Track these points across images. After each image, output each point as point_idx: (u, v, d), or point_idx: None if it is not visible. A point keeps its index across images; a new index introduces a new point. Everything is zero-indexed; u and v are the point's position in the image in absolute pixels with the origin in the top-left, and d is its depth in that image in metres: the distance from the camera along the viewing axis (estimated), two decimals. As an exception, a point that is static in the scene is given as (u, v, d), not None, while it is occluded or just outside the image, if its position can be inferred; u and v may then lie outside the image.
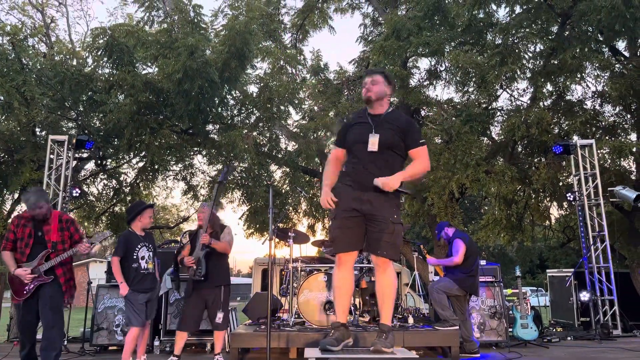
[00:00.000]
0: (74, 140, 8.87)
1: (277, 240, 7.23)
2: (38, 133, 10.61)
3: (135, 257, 5.03)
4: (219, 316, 5.25)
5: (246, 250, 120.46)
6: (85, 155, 11.49)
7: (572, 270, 9.19)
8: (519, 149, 11.52)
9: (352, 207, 3.54)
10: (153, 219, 5.36)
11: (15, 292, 4.62)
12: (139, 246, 5.08)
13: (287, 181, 12.62)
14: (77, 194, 9.00)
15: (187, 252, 5.33)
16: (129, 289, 4.94)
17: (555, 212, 13.21)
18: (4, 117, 9.82)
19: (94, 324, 6.81)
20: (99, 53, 9.67)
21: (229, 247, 5.41)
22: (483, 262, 7.17)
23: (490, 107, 11.12)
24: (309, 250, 16.63)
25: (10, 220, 4.57)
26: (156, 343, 6.55)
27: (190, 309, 5.33)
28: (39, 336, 4.62)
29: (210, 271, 5.28)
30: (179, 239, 6.03)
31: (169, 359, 5.29)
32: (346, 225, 3.56)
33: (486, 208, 14.82)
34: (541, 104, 10.15)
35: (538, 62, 10.22)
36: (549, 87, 10.41)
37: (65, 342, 7.02)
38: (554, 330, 8.71)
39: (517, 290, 7.35)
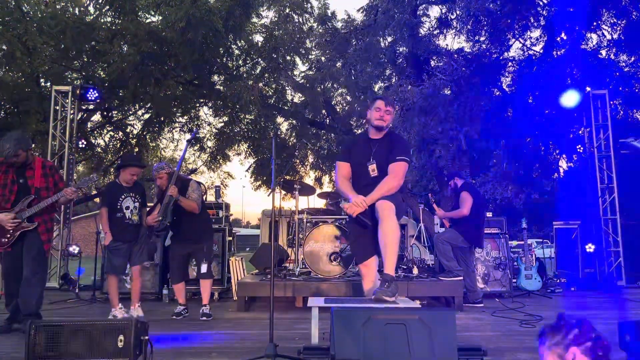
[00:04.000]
0: (78, 91, 8.77)
1: (283, 192, 7.24)
2: (42, 84, 10.53)
3: (119, 207, 5.06)
4: (203, 267, 5.29)
5: (255, 202, 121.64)
6: (91, 106, 11.43)
7: (578, 222, 9.18)
8: (530, 100, 11.31)
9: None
10: (136, 177, 5.25)
11: None
12: (123, 197, 5.09)
13: (293, 133, 12.53)
14: (84, 145, 9.00)
15: (156, 213, 5.12)
16: (111, 239, 5.01)
17: (564, 164, 13.10)
18: (7, 68, 9.71)
19: (104, 273, 6.95)
20: (100, 1, 9.44)
21: (197, 206, 5.19)
22: (489, 214, 7.16)
23: (501, 57, 10.83)
24: (316, 202, 16.73)
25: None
26: (165, 291, 6.70)
27: (175, 262, 5.38)
28: None
29: (187, 229, 5.24)
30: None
31: (177, 307, 5.41)
32: (357, 231, 3.82)
33: (495, 161, 14.70)
34: (554, 53, 9.87)
35: (552, 10, 9.85)
36: (563, 35, 10.08)
37: (77, 290, 7.21)
38: (558, 281, 8.80)
39: (522, 242, 7.37)
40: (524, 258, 7.13)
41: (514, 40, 10.74)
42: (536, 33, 10.46)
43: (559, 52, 10.18)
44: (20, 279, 4.52)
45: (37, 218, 4.50)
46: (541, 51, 10.42)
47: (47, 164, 4.71)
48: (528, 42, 10.88)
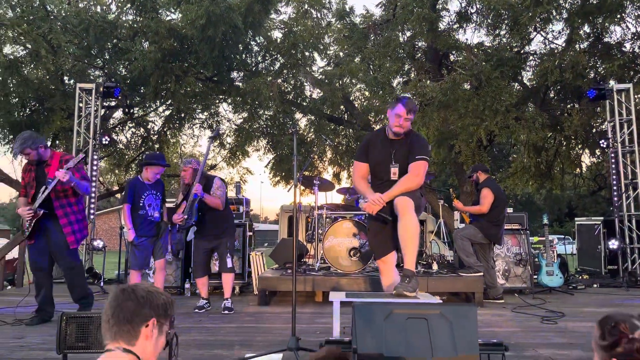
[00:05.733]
0: (101, 88, 8.93)
1: (302, 187, 7.29)
2: (66, 81, 10.73)
3: (141, 204, 5.20)
4: (229, 260, 5.41)
5: (273, 198, 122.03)
6: (113, 103, 11.61)
7: (602, 218, 9.06)
8: (551, 95, 11.16)
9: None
10: (158, 176, 5.36)
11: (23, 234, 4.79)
12: (145, 194, 5.23)
13: (312, 129, 12.55)
14: (107, 142, 9.17)
15: (181, 210, 5.32)
16: (135, 235, 5.13)
17: (586, 159, 12.92)
18: (32, 66, 9.91)
19: (127, 267, 7.08)
20: (122, -1, 9.59)
21: (220, 204, 5.35)
22: (510, 210, 7.11)
23: (522, 51, 10.70)
24: (335, 198, 16.74)
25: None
26: (187, 285, 6.81)
27: (198, 257, 5.50)
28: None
29: (210, 225, 5.36)
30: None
31: (199, 301, 5.50)
32: (376, 228, 3.87)
33: (515, 156, 14.53)
34: (577, 46, 9.71)
35: (575, 2, 9.69)
36: (586, 28, 9.91)
37: (102, 284, 7.37)
38: (580, 277, 8.70)
39: (543, 238, 7.31)
40: (545, 254, 7.07)
41: (535, 33, 10.60)
42: (558, 26, 10.30)
43: (581, 45, 10.02)
44: (45, 271, 4.80)
45: (58, 212, 4.68)
46: (563, 44, 10.25)
47: (64, 158, 4.83)
48: (550, 36, 10.74)
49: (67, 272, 4.84)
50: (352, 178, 4.20)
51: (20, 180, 4.87)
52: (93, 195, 8.53)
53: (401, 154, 3.78)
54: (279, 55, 11.10)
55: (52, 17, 9.49)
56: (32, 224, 4.63)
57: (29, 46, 9.47)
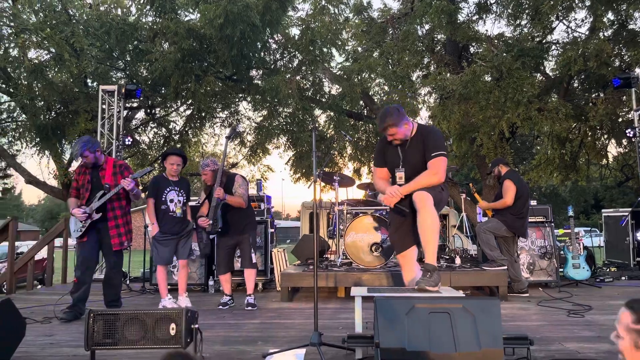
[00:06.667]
0: (123, 90, 9.08)
1: (322, 184, 7.29)
2: (89, 84, 10.94)
3: (164, 199, 5.27)
4: (253, 256, 5.45)
5: (294, 195, 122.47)
6: (135, 104, 11.80)
7: (630, 209, 8.85)
8: (575, 84, 10.95)
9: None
10: (179, 168, 5.41)
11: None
12: (168, 189, 5.30)
13: (331, 125, 12.55)
14: (130, 143, 9.31)
15: (205, 210, 5.39)
16: (158, 231, 5.22)
17: (613, 149, 12.65)
18: (56, 70, 10.12)
19: (153, 265, 7.20)
20: (141, 1, 9.71)
21: (243, 202, 5.37)
22: (534, 203, 7.00)
23: (544, 41, 10.51)
24: (355, 193, 16.72)
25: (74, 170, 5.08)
26: (210, 283, 6.88)
27: (221, 254, 5.56)
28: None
29: (232, 222, 5.39)
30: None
31: (223, 298, 5.57)
32: (397, 222, 3.84)
33: (538, 147, 14.31)
34: (601, 34, 9.49)
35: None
36: (610, 15, 9.68)
37: (128, 282, 7.50)
38: (608, 270, 8.53)
39: (568, 231, 7.18)
40: (571, 247, 6.95)
41: (557, 22, 10.40)
42: (581, 14, 10.13)
43: (605, 33, 9.79)
44: (92, 269, 5.16)
45: (109, 214, 4.99)
46: (587, 32, 10.04)
47: (118, 163, 5.19)
48: (572, 24, 10.53)
49: (111, 269, 5.14)
50: (373, 180, 4.21)
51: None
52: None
53: (412, 154, 3.72)
54: (297, 52, 11.11)
55: (74, 21, 9.68)
56: (87, 225, 4.92)
57: (53, 50, 9.68)
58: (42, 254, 8.76)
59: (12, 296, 6.84)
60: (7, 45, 10.38)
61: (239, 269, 5.89)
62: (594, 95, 10.73)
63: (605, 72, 9.02)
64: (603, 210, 11.18)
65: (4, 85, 11.44)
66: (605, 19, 9.49)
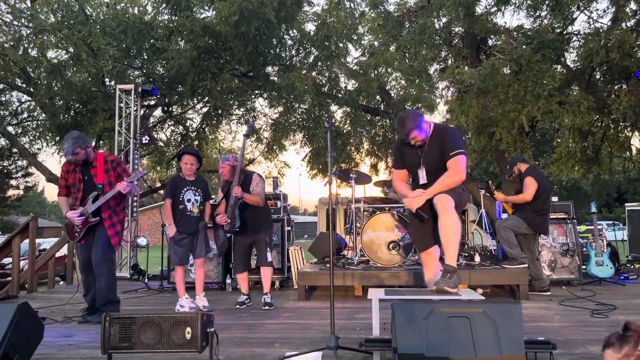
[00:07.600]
0: (140, 89, 9.13)
1: (339, 181, 7.24)
2: (107, 83, 11.03)
3: (181, 199, 5.25)
4: (269, 254, 5.45)
5: (312, 190, 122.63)
6: (152, 102, 11.87)
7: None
8: (597, 77, 10.67)
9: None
10: (194, 167, 5.37)
11: (69, 235, 4.89)
12: (185, 189, 5.27)
13: (348, 121, 12.46)
14: (147, 141, 9.36)
15: (222, 208, 5.39)
16: (176, 231, 5.19)
17: (636, 142, 12.38)
18: (74, 69, 10.22)
19: (170, 264, 7.23)
20: (157, -1, 9.75)
21: (261, 200, 5.37)
22: (555, 199, 6.84)
23: (565, 32, 10.26)
24: (372, 191, 16.62)
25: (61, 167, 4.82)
26: (228, 281, 6.89)
27: (238, 252, 5.55)
28: None
29: (248, 220, 5.37)
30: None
31: (240, 297, 5.56)
32: (417, 223, 3.85)
33: (559, 141, 14.01)
34: (623, 25, 9.21)
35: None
36: (633, 5, 9.39)
37: (146, 280, 7.55)
38: (632, 267, 8.33)
39: (591, 227, 7.02)
40: (594, 244, 6.79)
41: (578, 12, 10.13)
42: (603, 4, 9.87)
43: (628, 23, 9.51)
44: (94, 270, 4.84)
45: (104, 214, 4.76)
46: (609, 23, 9.77)
47: (109, 159, 4.92)
48: (594, 14, 10.26)
49: (97, 263, 4.74)
50: (392, 183, 4.23)
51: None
52: (136, 194, 8.74)
53: (431, 153, 3.76)
54: (312, 48, 11.03)
55: (91, 20, 9.76)
56: (84, 229, 4.74)
57: (71, 50, 9.76)
58: (63, 250, 8.88)
59: (33, 294, 6.95)
60: (26, 45, 10.52)
61: (256, 267, 5.88)
62: (616, 87, 10.45)
63: (628, 63, 8.76)
64: (626, 204, 10.92)
65: (24, 85, 11.61)
66: (627, 9, 9.22)
